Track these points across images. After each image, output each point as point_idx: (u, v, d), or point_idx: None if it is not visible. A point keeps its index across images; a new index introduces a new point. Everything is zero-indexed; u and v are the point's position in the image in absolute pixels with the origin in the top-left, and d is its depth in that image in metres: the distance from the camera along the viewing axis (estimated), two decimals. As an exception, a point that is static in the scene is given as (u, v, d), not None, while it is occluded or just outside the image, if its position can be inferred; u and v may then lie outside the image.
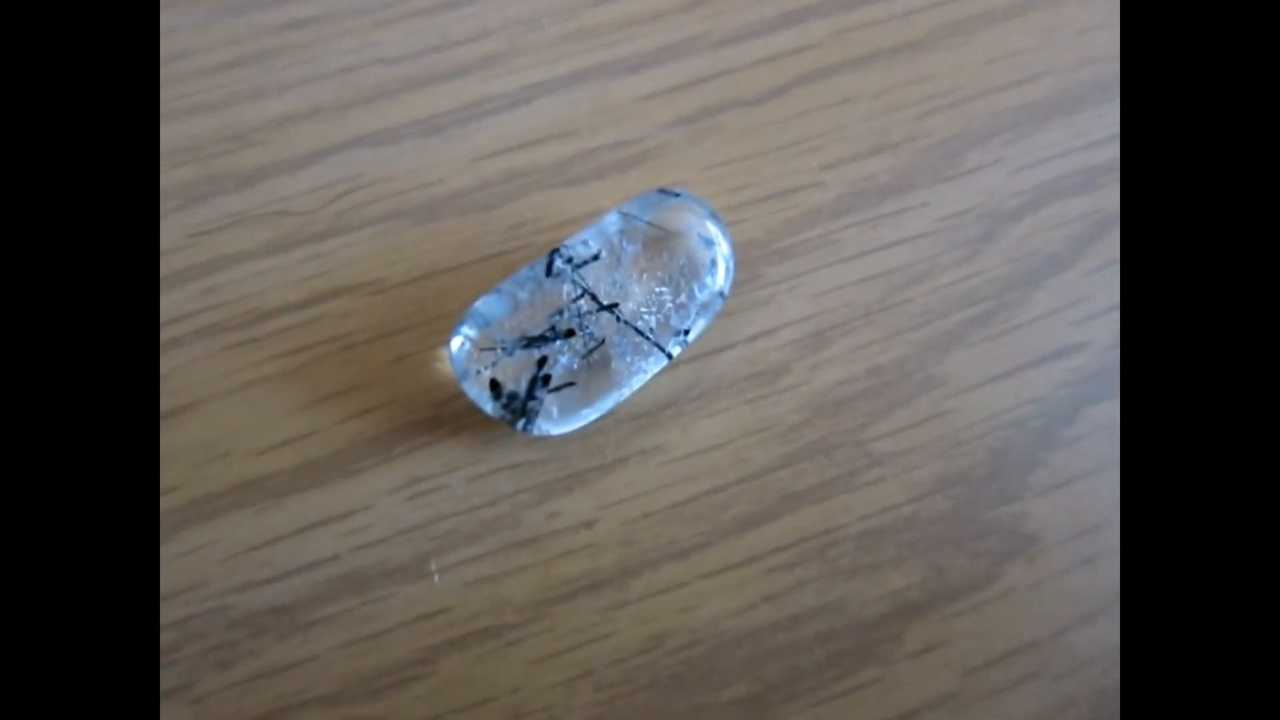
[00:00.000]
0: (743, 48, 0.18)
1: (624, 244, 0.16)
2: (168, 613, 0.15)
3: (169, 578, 0.15)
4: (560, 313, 0.16)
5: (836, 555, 0.16)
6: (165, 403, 0.16)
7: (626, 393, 0.16)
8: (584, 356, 0.16)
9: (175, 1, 0.19)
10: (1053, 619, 0.15)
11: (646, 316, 0.16)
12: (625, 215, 0.16)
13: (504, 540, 0.16)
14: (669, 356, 0.16)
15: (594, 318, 0.16)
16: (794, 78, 0.18)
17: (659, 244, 0.16)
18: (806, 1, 0.19)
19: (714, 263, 0.16)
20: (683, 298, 0.16)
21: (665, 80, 0.18)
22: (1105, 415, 0.16)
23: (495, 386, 0.15)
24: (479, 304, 0.15)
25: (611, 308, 0.16)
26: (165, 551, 0.15)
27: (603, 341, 0.16)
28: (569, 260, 0.16)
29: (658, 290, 0.16)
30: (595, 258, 0.16)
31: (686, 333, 0.16)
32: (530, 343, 0.15)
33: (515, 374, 0.15)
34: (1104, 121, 0.18)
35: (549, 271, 0.16)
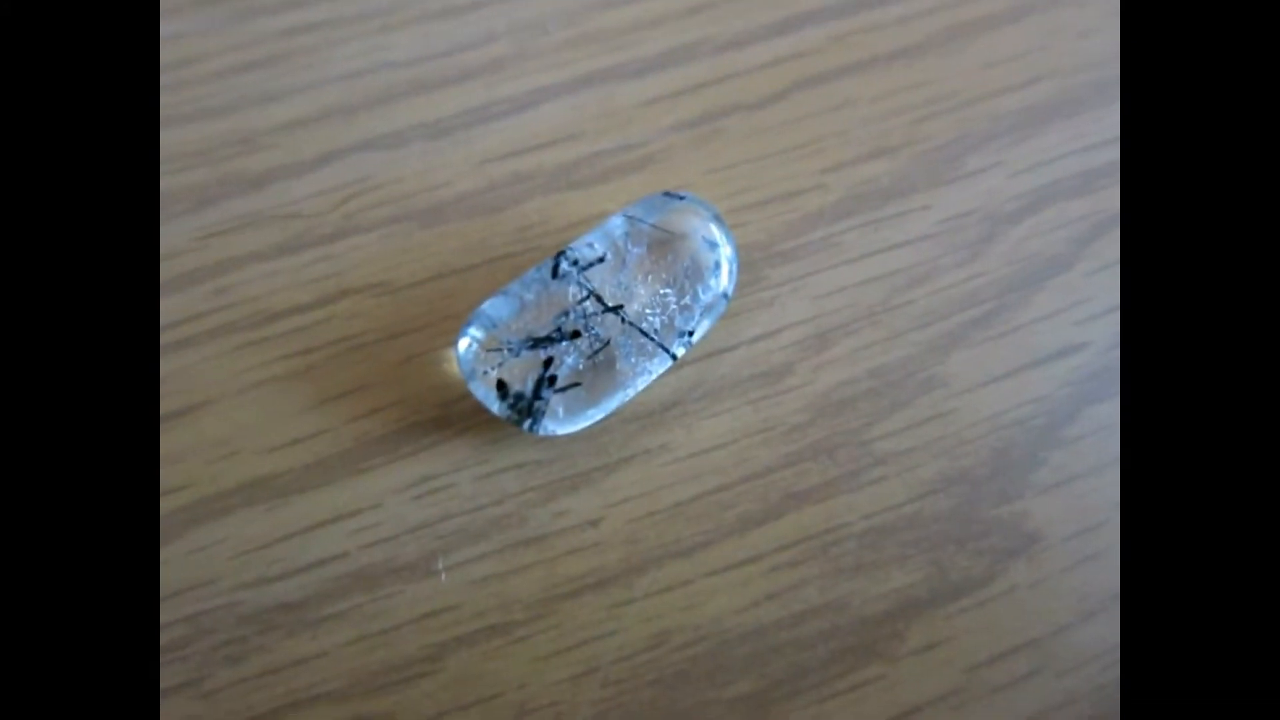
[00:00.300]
0: (744, 53, 0.18)
1: (629, 246, 0.15)
2: (178, 608, 0.15)
3: (179, 574, 0.15)
4: (566, 314, 0.15)
5: (839, 554, 0.16)
6: (175, 402, 0.16)
7: (631, 393, 0.16)
8: (589, 357, 0.15)
9: (182, 6, 0.19)
10: (1054, 616, 0.15)
11: (651, 318, 0.15)
12: (630, 218, 0.16)
13: (510, 539, 0.16)
14: (673, 357, 0.16)
15: (599, 319, 0.15)
16: (794, 82, 0.18)
17: (664, 246, 0.16)
18: (807, 7, 0.19)
19: (718, 265, 0.16)
20: (687, 299, 0.16)
21: (668, 85, 0.17)
22: (1107, 414, 0.16)
23: (502, 387, 0.15)
24: (486, 305, 0.15)
25: (617, 309, 0.15)
26: (175, 548, 0.15)
27: (608, 343, 0.15)
28: (574, 262, 0.15)
29: (662, 292, 0.16)
30: (600, 260, 0.15)
31: (691, 334, 0.16)
32: (536, 344, 0.15)
33: (522, 374, 0.15)
34: (1103, 124, 0.18)
35: (555, 273, 0.15)
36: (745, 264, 0.17)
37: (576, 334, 0.15)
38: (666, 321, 0.16)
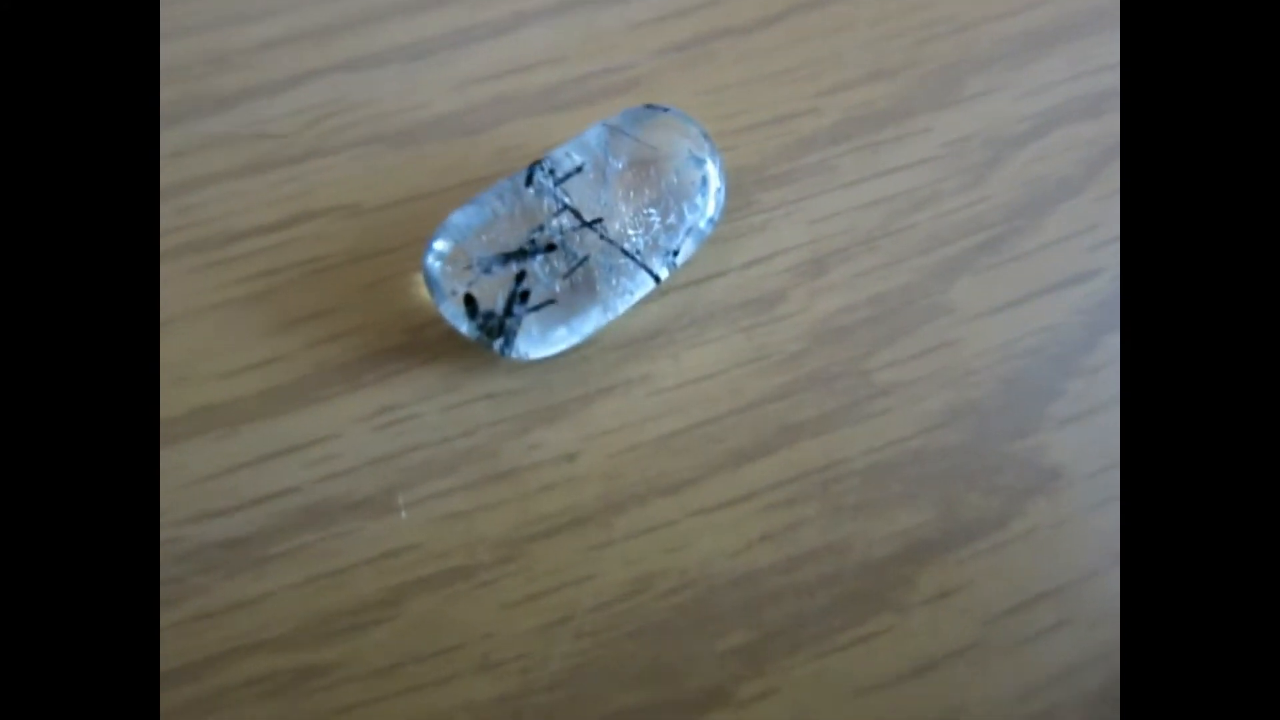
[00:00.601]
0: (736, -22, 0.16)
1: (609, 159, 0.13)
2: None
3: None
4: (540, 228, 0.13)
5: (840, 491, 0.13)
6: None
7: (611, 316, 0.13)
8: (565, 276, 0.13)
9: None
10: (1081, 560, 0.12)
11: (633, 237, 0.13)
12: (611, 128, 0.14)
13: (479, 473, 0.13)
14: (656, 279, 0.14)
15: (576, 236, 0.13)
16: (788, 6, 0.15)
17: (646, 160, 0.14)
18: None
19: (705, 181, 0.14)
20: (671, 218, 0.14)
21: (656, 8, 0.15)
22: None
23: (471, 303, 0.13)
24: (455, 215, 0.13)
25: (595, 224, 0.13)
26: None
27: (585, 259, 0.13)
28: (550, 172, 0.13)
29: (645, 210, 0.13)
30: (578, 170, 0.13)
31: (675, 254, 0.14)
32: (508, 258, 0.13)
33: (492, 292, 0.13)
34: (1108, 49, 0.16)
35: (529, 182, 0.13)
36: (735, 187, 0.14)
37: (551, 247, 0.13)
38: (650, 241, 0.13)
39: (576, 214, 0.13)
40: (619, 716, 0.11)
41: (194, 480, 0.12)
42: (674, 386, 0.13)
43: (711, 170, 0.13)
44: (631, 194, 0.13)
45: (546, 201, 0.13)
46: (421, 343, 0.13)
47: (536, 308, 0.12)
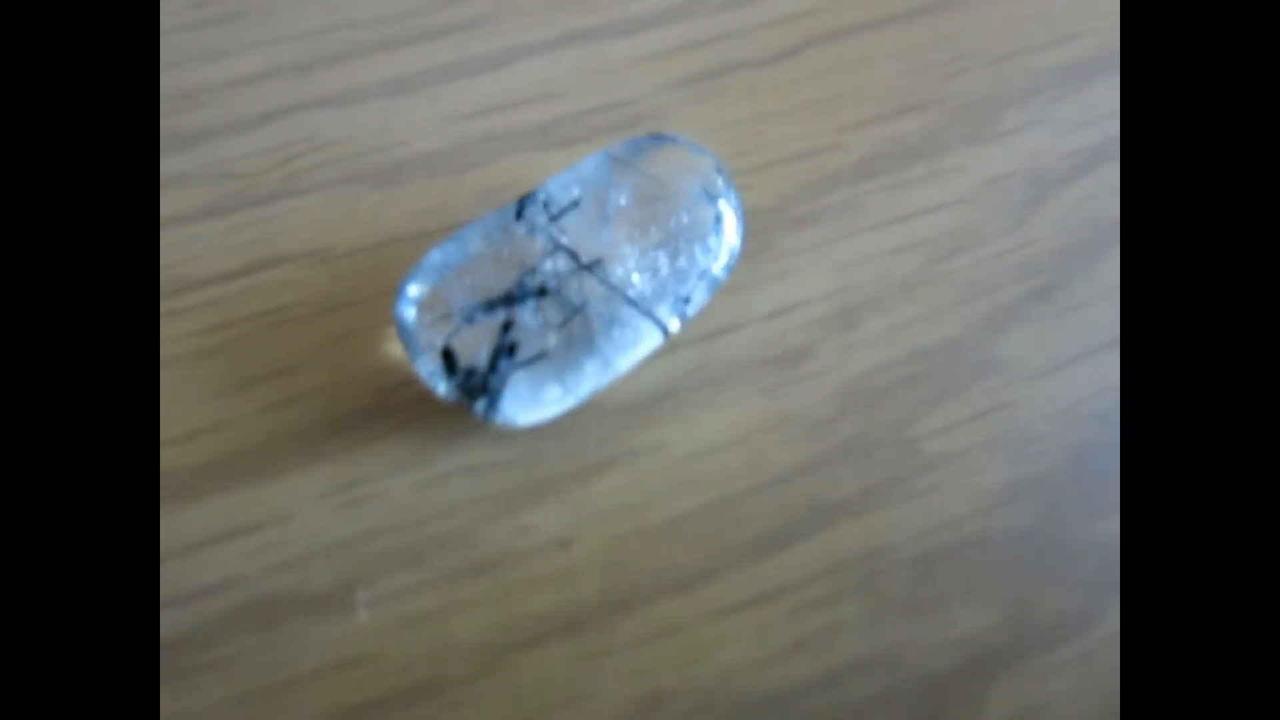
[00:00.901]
0: (747, 10, 0.14)
1: (610, 192, 0.11)
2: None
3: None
4: (531, 271, 0.11)
5: (886, 586, 0.10)
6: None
7: (612, 374, 0.11)
8: (560, 326, 0.11)
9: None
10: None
11: (638, 283, 0.11)
12: (614, 158, 0.11)
13: (454, 563, 0.10)
14: (665, 331, 0.11)
15: (573, 280, 0.11)
16: (805, 39, 0.13)
17: (653, 196, 0.11)
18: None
19: (719, 220, 0.11)
20: (681, 261, 0.11)
21: (662, 42, 0.13)
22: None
23: (449, 357, 0.10)
24: (432, 254, 0.10)
25: (594, 266, 0.11)
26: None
27: (583, 307, 0.11)
28: (544, 206, 0.11)
29: (651, 252, 0.11)
30: (576, 205, 0.11)
31: (686, 302, 0.11)
32: (494, 305, 0.10)
33: (475, 344, 0.10)
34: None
35: (519, 217, 0.11)
36: (753, 230, 0.12)
37: (544, 292, 0.11)
38: (657, 288, 0.11)
39: (573, 255, 0.10)
40: None
41: (111, 573, 0.09)
42: (686, 458, 0.10)
43: (726, 208, 0.10)
44: (636, 233, 0.10)
45: (539, 240, 0.10)
46: (392, 406, 0.11)
47: (526, 363, 0.10)
